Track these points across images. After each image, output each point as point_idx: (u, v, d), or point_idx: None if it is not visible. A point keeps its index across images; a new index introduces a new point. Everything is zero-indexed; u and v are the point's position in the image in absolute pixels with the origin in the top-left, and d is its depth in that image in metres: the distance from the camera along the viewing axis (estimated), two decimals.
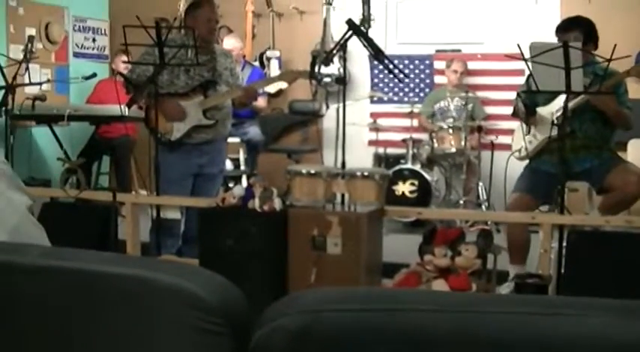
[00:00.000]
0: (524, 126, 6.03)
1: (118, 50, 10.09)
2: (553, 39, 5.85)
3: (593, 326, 1.18)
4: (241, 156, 9.25)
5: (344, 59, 6.09)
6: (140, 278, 1.44)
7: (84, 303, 1.52)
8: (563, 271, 5.07)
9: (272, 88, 8.67)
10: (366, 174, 5.32)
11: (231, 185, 8.47)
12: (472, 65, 9.72)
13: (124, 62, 6.79)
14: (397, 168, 8.71)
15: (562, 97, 5.41)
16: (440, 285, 4.97)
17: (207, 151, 6.42)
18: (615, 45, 4.76)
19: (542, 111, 5.89)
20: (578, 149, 5.76)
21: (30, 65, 7.43)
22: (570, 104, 5.34)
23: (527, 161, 6.14)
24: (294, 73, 6.69)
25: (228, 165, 8.75)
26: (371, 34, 9.07)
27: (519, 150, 6.14)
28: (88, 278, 1.52)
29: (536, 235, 5.85)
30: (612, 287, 4.81)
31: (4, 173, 2.39)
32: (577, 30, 5.76)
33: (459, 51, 10.02)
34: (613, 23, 8.37)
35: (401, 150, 9.29)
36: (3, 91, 6.43)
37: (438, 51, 10.08)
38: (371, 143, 9.77)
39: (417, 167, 8.78)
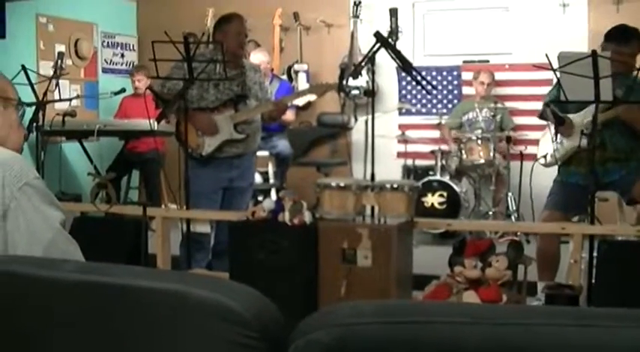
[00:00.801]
0: (551, 132, 5.99)
1: (135, 68, 10.15)
2: (581, 48, 5.82)
3: (625, 337, 1.19)
4: (270, 169, 9.26)
5: (372, 72, 6.08)
6: (176, 293, 1.46)
7: (120, 317, 1.54)
8: (594, 281, 5.04)
9: (301, 101, 8.68)
10: (395, 186, 5.31)
11: (260, 198, 8.49)
12: (500, 76, 9.70)
13: (152, 77, 6.81)
14: (426, 179, 8.71)
15: (592, 106, 5.38)
16: (470, 297, 4.95)
17: (238, 165, 6.45)
18: None
19: (574, 118, 5.84)
20: (606, 161, 5.70)
21: (60, 81, 7.49)
22: (601, 118, 5.31)
23: (554, 171, 6.09)
24: (324, 85, 6.69)
25: (258, 178, 8.77)
26: (398, 46, 9.11)
27: (545, 156, 6.10)
28: (124, 293, 1.54)
29: (566, 246, 5.82)
30: None
31: (39, 189, 2.43)
32: (635, 42, 5.71)
33: (487, 62, 10.00)
34: None
35: (430, 162, 9.28)
36: (34, 108, 6.48)
37: (465, 62, 10.07)
38: (400, 155, 9.76)
39: (446, 178, 8.77)
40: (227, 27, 6.43)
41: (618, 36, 5.74)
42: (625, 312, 1.25)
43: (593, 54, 4.95)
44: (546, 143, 6.06)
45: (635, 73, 5.40)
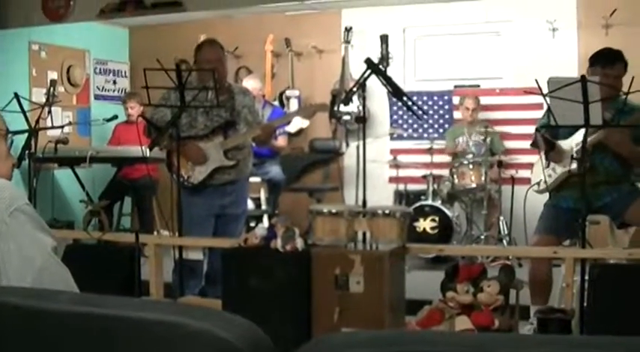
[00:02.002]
0: (543, 159, 6.01)
1: (127, 95, 10.18)
2: (571, 72, 5.85)
3: None
4: (262, 195, 9.27)
5: (363, 98, 6.09)
6: (170, 324, 1.46)
7: (115, 348, 1.54)
8: (586, 305, 5.04)
9: (292, 128, 8.71)
10: (387, 212, 5.32)
11: (252, 224, 8.50)
12: (491, 100, 9.75)
13: (145, 105, 6.84)
14: (418, 204, 8.73)
15: (582, 131, 5.41)
16: (463, 322, 4.96)
17: (230, 192, 6.44)
18: (633, 78, 4.77)
19: (563, 144, 5.87)
20: (598, 184, 5.71)
21: (52, 108, 7.49)
22: (588, 140, 5.33)
23: (546, 195, 6.11)
24: (312, 106, 6.70)
25: (250, 204, 8.78)
26: (389, 71, 9.11)
27: (538, 183, 6.11)
28: (118, 324, 1.55)
29: (558, 269, 5.83)
30: (636, 320, 4.79)
31: (29, 214, 2.44)
32: (621, 64, 5.74)
33: (478, 86, 10.05)
34: (631, 55, 8.36)
35: (421, 187, 9.31)
36: (26, 135, 6.48)
37: (456, 86, 10.11)
38: (391, 180, 9.79)
39: (438, 203, 8.79)
40: (197, 56, 6.47)
41: (603, 59, 5.78)
42: (617, 340, 1.26)
43: (583, 79, 4.97)
44: (539, 169, 6.07)
45: (622, 95, 5.44)
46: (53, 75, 9.87)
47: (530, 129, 6.44)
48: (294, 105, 10.28)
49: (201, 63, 6.33)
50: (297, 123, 8.55)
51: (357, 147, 5.95)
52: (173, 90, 6.05)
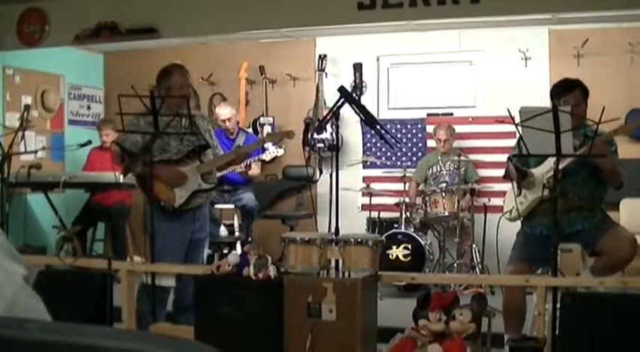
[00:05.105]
0: (515, 187, 6.04)
1: (102, 122, 10.16)
2: (543, 101, 5.90)
3: None
4: (236, 222, 9.26)
5: (336, 126, 6.11)
6: None
7: None
8: (557, 333, 5.06)
9: (267, 156, 8.74)
10: (359, 240, 5.31)
11: (225, 251, 8.49)
12: (464, 128, 9.79)
13: (118, 131, 6.82)
14: (391, 232, 8.73)
15: (553, 158, 5.45)
16: (435, 350, 4.96)
17: (199, 216, 6.43)
18: (604, 107, 4.81)
19: (534, 172, 5.90)
20: (569, 210, 5.75)
21: (26, 133, 7.48)
22: (561, 165, 5.37)
23: (518, 223, 6.13)
24: (279, 133, 6.71)
25: (223, 231, 8.78)
26: (363, 99, 9.19)
27: (510, 211, 6.13)
28: None
29: (530, 296, 5.85)
30: (608, 349, 4.82)
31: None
32: (577, 90, 5.81)
33: (451, 114, 10.11)
34: (602, 85, 8.46)
35: (394, 214, 9.31)
36: None
37: (429, 115, 10.15)
38: (364, 207, 9.78)
39: (411, 231, 8.80)
40: (168, 82, 6.35)
41: (559, 89, 5.88)
42: None
43: (554, 108, 5.02)
44: (512, 198, 6.10)
45: (589, 122, 5.53)
46: (27, 100, 9.85)
47: (503, 158, 6.49)
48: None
49: (173, 89, 6.28)
50: (272, 153, 8.57)
51: (330, 175, 5.97)
52: (142, 115, 6.03)
